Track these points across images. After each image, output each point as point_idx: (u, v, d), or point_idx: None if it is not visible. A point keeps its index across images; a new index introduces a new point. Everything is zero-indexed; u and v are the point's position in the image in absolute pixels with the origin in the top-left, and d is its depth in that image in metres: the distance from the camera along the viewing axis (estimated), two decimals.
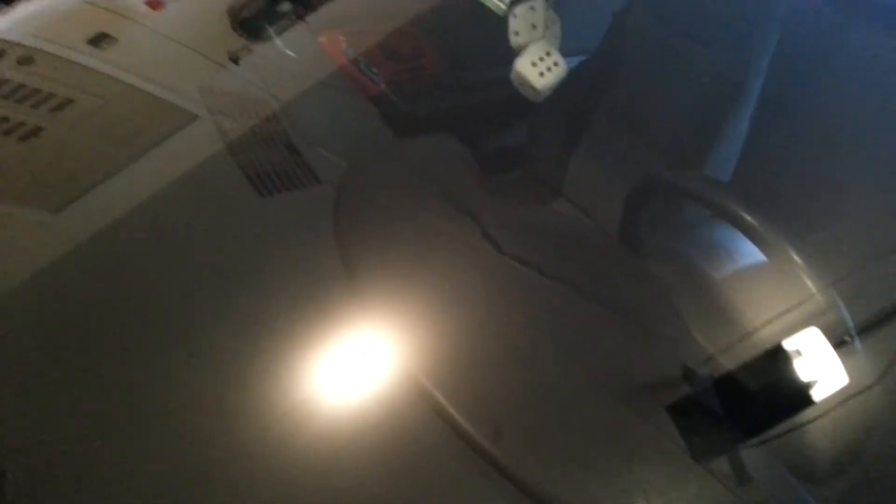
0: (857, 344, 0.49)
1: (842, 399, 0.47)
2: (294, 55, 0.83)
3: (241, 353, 0.50)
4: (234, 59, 0.84)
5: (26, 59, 0.87)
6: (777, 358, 0.46)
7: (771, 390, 0.47)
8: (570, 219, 0.81)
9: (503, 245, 0.61)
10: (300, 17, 0.89)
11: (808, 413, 0.47)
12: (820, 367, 0.45)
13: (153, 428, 0.46)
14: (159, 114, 0.76)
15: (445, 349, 0.51)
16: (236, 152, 0.67)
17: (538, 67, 0.69)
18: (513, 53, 0.71)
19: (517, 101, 0.74)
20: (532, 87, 0.70)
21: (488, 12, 0.72)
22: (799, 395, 0.45)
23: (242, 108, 0.75)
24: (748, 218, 0.55)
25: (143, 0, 0.98)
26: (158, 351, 0.51)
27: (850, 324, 0.49)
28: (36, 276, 0.55)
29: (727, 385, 0.49)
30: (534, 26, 0.68)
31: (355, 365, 0.51)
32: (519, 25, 0.68)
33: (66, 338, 0.51)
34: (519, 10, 0.67)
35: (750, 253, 0.57)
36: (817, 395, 0.45)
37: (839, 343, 0.48)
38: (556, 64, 0.70)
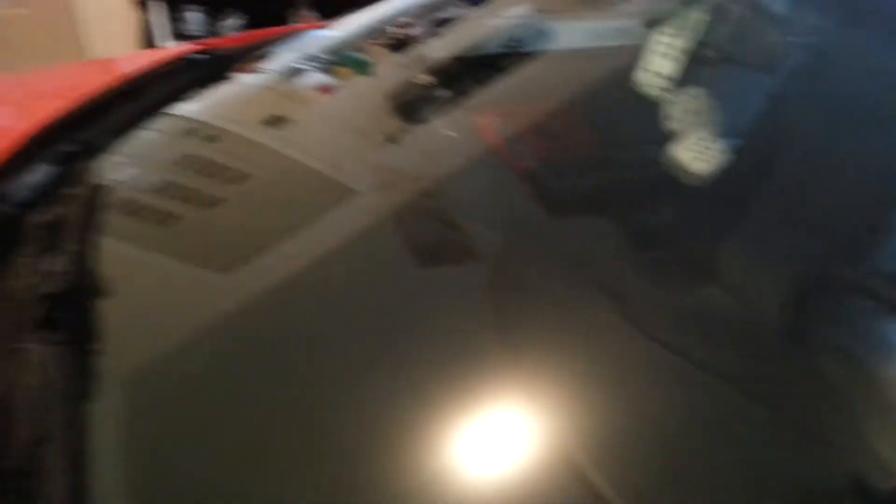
0: None
1: None
2: (451, 135, 0.88)
3: (389, 417, 0.52)
4: (393, 140, 0.90)
5: (212, 137, 0.98)
6: None
7: None
8: (723, 305, 0.78)
9: (654, 330, 0.59)
10: (455, 101, 0.94)
11: None
12: None
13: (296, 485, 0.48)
14: (325, 188, 0.82)
15: (597, 432, 0.50)
16: (396, 226, 0.71)
17: (695, 152, 0.68)
18: (667, 135, 0.71)
19: (669, 181, 0.74)
20: (688, 172, 0.69)
21: (645, 95, 0.73)
22: None
23: (402, 185, 0.80)
24: None
25: (313, 86, 1.08)
26: (312, 409, 0.53)
27: None
28: (208, 329, 0.60)
29: None
30: (692, 112, 0.68)
31: (505, 440, 0.51)
32: (677, 111, 0.68)
33: (229, 390, 0.55)
34: (678, 96, 0.67)
35: None
36: None
37: None
38: (712, 149, 0.69)
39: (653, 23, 0.81)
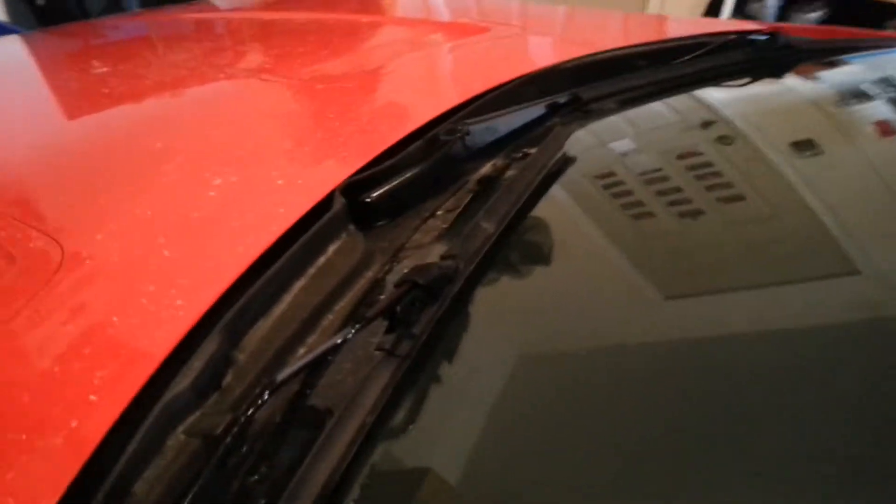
0: None
1: None
2: None
3: None
4: None
5: (727, 138, 0.76)
6: None
7: None
8: None
9: None
10: None
11: None
12: None
13: None
14: (821, 248, 0.58)
15: None
16: None
17: None
18: None
19: None
20: None
21: None
22: None
23: None
24: None
25: (872, 119, 0.81)
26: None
27: None
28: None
29: None
30: None
31: None
32: None
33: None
34: None
35: None
36: None
37: None
38: None
39: None
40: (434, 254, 0.49)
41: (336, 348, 0.41)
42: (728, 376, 0.45)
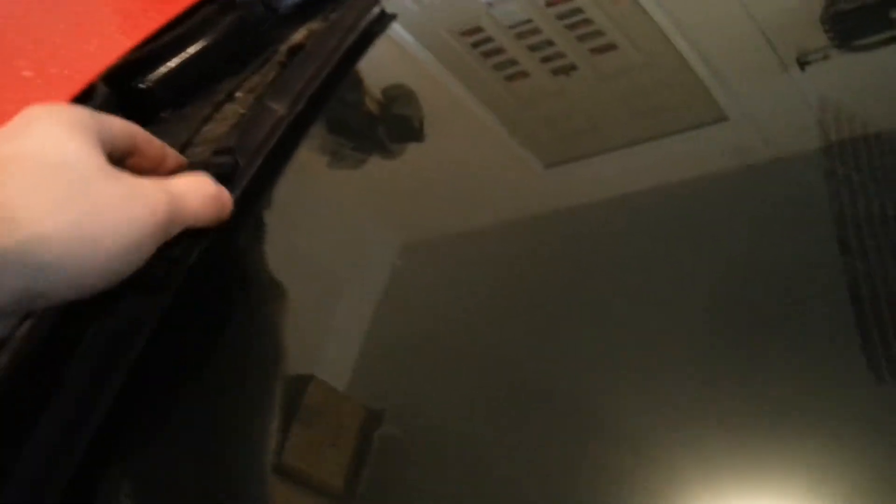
0: None
1: None
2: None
3: None
4: (802, 63, 0.52)
5: None
6: None
7: None
8: None
9: None
10: None
11: None
12: None
13: None
14: (693, 96, 0.54)
15: None
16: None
17: None
18: None
19: None
20: None
21: None
22: None
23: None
24: None
25: None
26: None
27: None
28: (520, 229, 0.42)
29: None
30: None
31: None
32: None
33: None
34: None
35: None
36: None
37: None
38: None
39: None
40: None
41: None
42: (612, 238, 0.40)
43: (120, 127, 0.31)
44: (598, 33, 0.62)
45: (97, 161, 0.27)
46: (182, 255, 0.31)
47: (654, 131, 0.52)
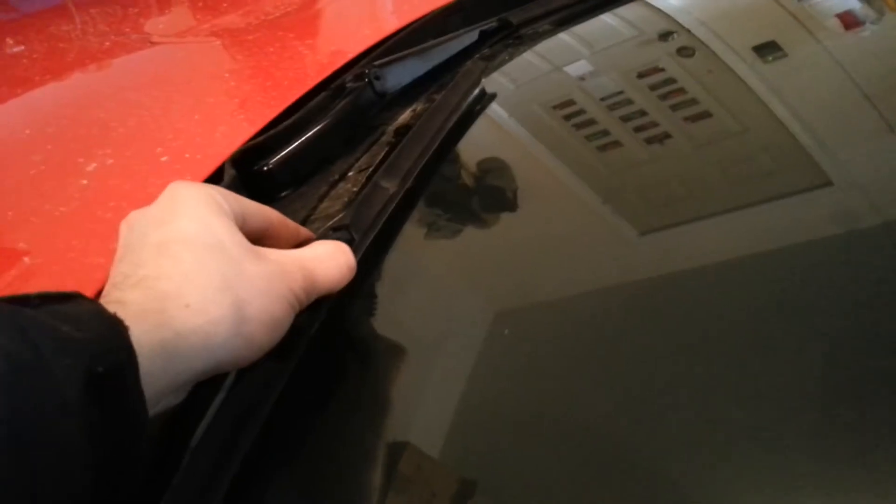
0: None
1: None
2: None
3: None
4: None
5: (688, 50, 0.69)
6: None
7: None
8: None
9: None
10: None
11: None
12: None
13: None
14: (795, 162, 0.52)
15: None
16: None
17: None
18: None
19: None
20: None
21: None
22: None
23: None
24: None
25: (834, 12, 0.71)
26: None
27: None
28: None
29: None
30: None
31: None
32: None
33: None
34: None
35: None
36: None
37: None
38: None
39: None
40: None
41: None
42: (713, 306, 0.40)
43: (255, 208, 0.34)
44: (692, 101, 0.62)
45: (240, 240, 0.30)
46: (306, 324, 0.34)
47: (752, 197, 0.51)
